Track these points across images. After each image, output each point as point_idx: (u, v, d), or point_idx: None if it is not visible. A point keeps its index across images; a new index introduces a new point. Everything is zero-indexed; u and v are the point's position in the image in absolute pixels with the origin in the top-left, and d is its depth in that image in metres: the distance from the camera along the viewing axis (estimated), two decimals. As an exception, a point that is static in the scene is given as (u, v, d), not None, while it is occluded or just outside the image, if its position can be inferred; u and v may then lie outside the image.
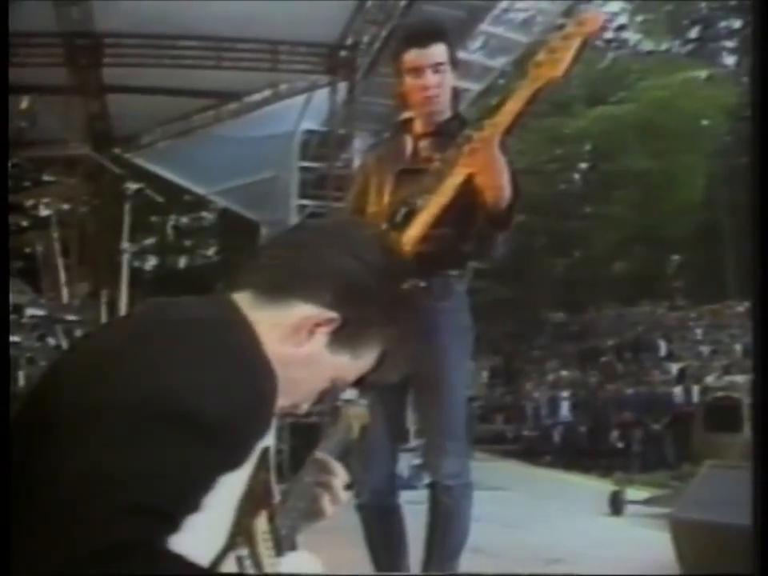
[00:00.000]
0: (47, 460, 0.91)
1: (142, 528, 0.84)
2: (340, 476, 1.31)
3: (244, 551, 1.02)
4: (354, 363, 1.17)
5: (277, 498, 1.14)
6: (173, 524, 0.86)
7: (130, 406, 0.91)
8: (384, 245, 1.21)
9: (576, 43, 2.11)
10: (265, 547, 1.06)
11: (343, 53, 8.55)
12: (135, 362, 0.95)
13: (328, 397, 1.20)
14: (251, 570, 1.04)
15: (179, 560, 0.87)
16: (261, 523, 1.07)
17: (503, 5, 8.16)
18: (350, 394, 1.46)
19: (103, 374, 0.95)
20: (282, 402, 1.09)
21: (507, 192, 2.27)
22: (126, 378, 0.93)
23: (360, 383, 1.21)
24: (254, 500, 1.05)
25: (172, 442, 0.89)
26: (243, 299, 1.09)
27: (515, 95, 2.17)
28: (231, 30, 7.87)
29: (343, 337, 1.12)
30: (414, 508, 2.66)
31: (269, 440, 1.06)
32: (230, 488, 0.96)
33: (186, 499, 0.89)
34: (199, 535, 0.89)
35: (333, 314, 1.10)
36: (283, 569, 1.12)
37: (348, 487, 1.30)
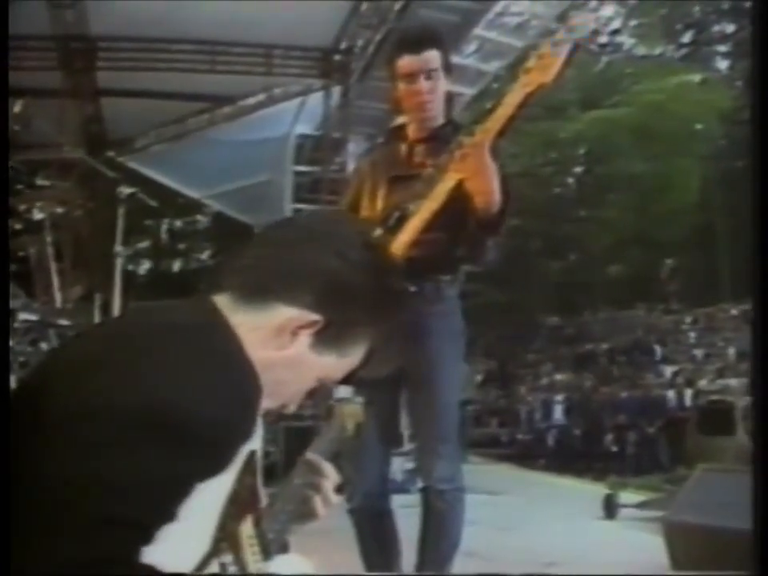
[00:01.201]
0: (25, 466, 0.91)
1: (117, 541, 0.83)
2: (331, 477, 1.30)
3: (228, 558, 1.01)
4: (341, 362, 1.15)
5: (264, 501, 1.13)
6: (148, 535, 0.86)
7: (108, 414, 0.90)
8: (368, 241, 1.19)
9: (566, 49, 2.11)
10: (251, 552, 1.05)
11: (337, 57, 8.56)
12: (114, 368, 0.94)
13: (317, 396, 1.19)
14: None
15: (153, 572, 0.86)
16: (246, 528, 1.06)
17: (497, 9, 8.18)
18: (345, 392, 1.45)
19: (81, 381, 0.94)
20: (269, 403, 1.08)
21: (498, 197, 2.28)
22: (104, 385, 0.92)
23: (349, 380, 1.20)
24: (239, 504, 1.04)
25: (150, 449, 0.88)
26: (224, 302, 1.08)
27: (506, 101, 2.18)
28: (225, 34, 7.87)
29: (327, 337, 1.10)
30: (407, 512, 2.66)
31: (255, 443, 1.05)
32: (213, 493, 0.95)
33: (163, 509, 0.88)
34: (180, 543, 0.89)
35: (315, 317, 1.08)
36: (273, 571, 1.11)
37: (339, 489, 1.29)
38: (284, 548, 1.18)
